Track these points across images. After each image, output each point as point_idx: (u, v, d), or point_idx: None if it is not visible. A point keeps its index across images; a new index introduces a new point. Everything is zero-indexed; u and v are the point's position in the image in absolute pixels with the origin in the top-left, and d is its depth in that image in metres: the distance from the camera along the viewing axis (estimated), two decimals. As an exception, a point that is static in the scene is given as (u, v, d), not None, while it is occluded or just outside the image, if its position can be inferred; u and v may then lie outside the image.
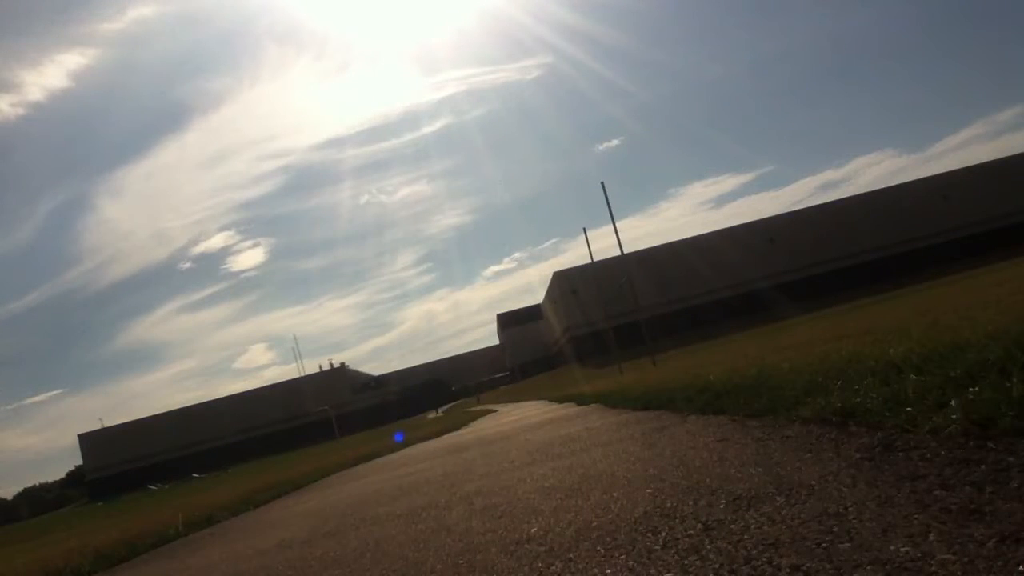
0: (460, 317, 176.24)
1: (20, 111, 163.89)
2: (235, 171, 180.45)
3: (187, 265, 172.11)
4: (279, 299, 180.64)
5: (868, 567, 1.80)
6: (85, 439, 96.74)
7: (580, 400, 14.52)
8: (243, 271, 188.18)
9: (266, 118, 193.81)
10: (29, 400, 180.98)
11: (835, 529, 2.14)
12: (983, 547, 1.73)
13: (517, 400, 37.21)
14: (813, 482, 2.74)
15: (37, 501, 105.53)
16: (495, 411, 29.57)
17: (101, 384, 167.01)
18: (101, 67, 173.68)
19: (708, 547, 2.30)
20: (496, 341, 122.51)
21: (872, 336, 6.80)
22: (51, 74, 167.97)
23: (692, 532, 2.51)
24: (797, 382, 4.87)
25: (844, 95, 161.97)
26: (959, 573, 1.63)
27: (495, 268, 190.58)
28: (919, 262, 68.06)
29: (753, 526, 2.39)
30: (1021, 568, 1.57)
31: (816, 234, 75.98)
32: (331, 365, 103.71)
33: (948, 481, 2.30)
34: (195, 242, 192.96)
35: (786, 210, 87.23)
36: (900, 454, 2.77)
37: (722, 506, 2.76)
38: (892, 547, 1.88)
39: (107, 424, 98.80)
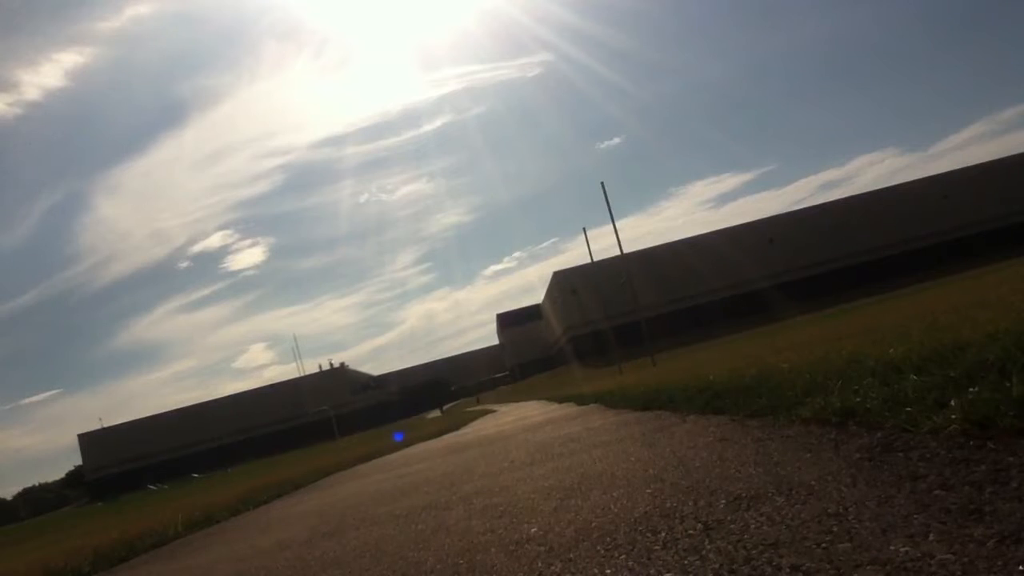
0: (460, 317, 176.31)
1: (17, 110, 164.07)
2: (234, 169, 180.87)
3: (185, 264, 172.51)
4: (278, 298, 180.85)
5: (868, 567, 1.80)
6: (85, 439, 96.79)
7: (580, 400, 14.51)
8: (242, 270, 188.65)
9: (265, 116, 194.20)
10: (28, 400, 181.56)
11: (835, 529, 2.14)
12: (983, 547, 1.73)
13: (517, 400, 37.21)
14: (813, 482, 2.74)
15: (37, 501, 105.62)
16: (495, 411, 29.56)
17: (100, 384, 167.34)
18: (98, 66, 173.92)
19: (708, 547, 2.30)
20: (496, 341, 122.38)
21: (872, 336, 6.79)
22: (48, 73, 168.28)
23: (692, 532, 2.51)
24: (797, 382, 4.86)
25: (845, 94, 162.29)
26: (959, 573, 1.63)
27: (495, 268, 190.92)
28: (919, 262, 68.06)
29: (753, 526, 2.39)
30: (1021, 568, 1.57)
31: (816, 234, 76.01)
32: (331, 365, 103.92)
33: (948, 481, 2.29)
34: (193, 241, 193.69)
35: (786, 210, 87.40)
36: (900, 454, 2.77)
37: (722, 506, 2.75)
38: (892, 547, 1.88)
39: (107, 424, 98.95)
